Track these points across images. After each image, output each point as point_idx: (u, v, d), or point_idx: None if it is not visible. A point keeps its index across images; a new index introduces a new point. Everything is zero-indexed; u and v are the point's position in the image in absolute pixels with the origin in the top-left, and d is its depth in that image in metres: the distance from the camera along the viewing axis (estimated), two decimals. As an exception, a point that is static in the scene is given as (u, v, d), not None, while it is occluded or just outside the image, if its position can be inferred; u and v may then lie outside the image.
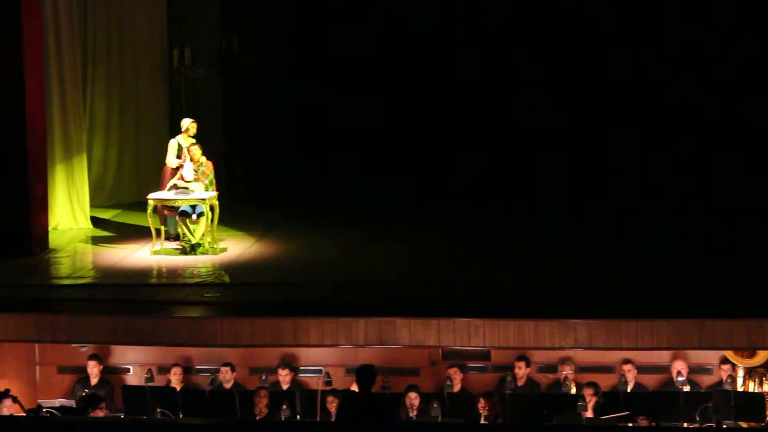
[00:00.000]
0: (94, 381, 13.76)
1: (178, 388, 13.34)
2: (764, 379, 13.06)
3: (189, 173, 15.09)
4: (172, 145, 15.45)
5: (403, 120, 19.13)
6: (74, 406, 12.63)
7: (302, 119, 20.22)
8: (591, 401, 12.57)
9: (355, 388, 12.21)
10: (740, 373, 13.11)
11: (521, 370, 13.33)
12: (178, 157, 15.33)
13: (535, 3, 19.18)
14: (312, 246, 15.41)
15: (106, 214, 17.22)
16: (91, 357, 13.77)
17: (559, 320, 12.25)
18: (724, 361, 13.13)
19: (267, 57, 19.77)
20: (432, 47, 19.32)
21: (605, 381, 13.19)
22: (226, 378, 13.48)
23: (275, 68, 19.97)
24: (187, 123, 15.51)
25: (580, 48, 18.63)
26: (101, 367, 13.79)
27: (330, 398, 12.75)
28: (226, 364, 13.52)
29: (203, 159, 15.19)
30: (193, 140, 15.35)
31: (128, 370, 14.09)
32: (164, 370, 13.80)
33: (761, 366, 13.07)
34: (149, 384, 13.23)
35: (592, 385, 12.81)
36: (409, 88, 19.34)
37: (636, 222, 15.89)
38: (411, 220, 16.48)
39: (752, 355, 12.96)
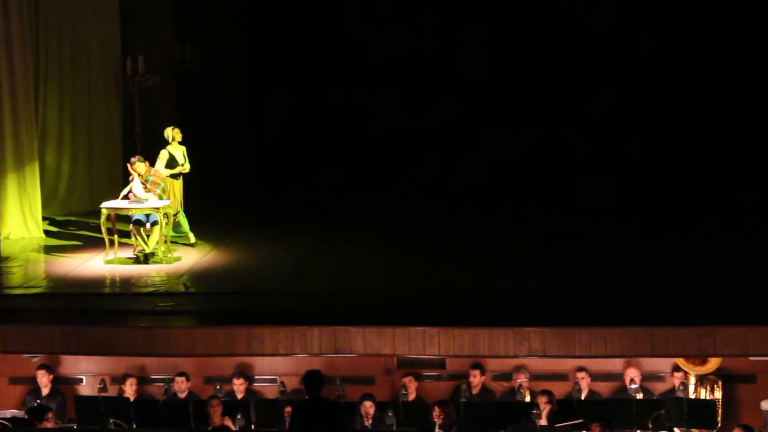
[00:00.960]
0: (45, 391, 13.64)
1: (133, 399, 13.26)
2: (716, 386, 13.18)
3: (138, 189, 15.03)
4: (162, 155, 15.62)
5: (360, 128, 19.19)
6: (26, 417, 12.52)
7: (257, 127, 20.23)
8: (545, 409, 12.62)
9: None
10: (692, 380, 13.23)
11: (476, 379, 13.36)
12: (169, 166, 15.56)
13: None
14: (267, 254, 15.40)
15: (58, 224, 17.09)
16: (40, 367, 13.63)
17: (513, 328, 12.29)
18: (677, 368, 13.24)
19: (220, 66, 19.74)
20: (391, 53, 19.46)
21: (559, 389, 13.26)
22: (181, 388, 13.41)
23: (228, 77, 19.95)
24: (169, 132, 15.74)
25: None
26: (51, 377, 13.66)
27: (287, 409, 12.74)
28: (180, 374, 13.46)
29: (152, 170, 15.13)
30: (182, 147, 15.67)
31: (81, 380, 13.97)
32: (118, 380, 13.71)
33: (712, 373, 13.19)
34: (102, 394, 13.13)
35: (546, 393, 12.86)
36: (367, 94, 19.45)
37: (589, 229, 15.97)
38: (366, 228, 16.50)
39: (704, 362, 13.07)
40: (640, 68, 18.61)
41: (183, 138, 15.86)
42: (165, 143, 15.82)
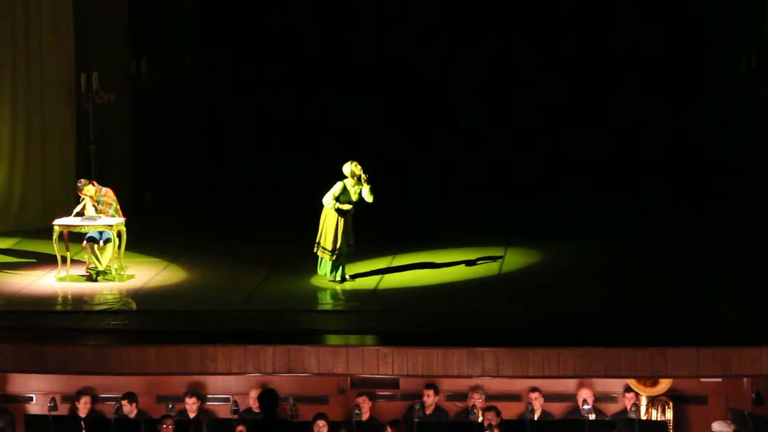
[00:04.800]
0: (-9, 410, 13.51)
1: (84, 416, 13.15)
2: (667, 407, 13.26)
3: (91, 210, 14.93)
4: (337, 186, 14.37)
5: (316, 141, 19.25)
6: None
7: (213, 142, 20.23)
8: (495, 423, 12.66)
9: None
10: (644, 401, 13.30)
11: (429, 398, 13.37)
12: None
13: None
14: (220, 272, 15.32)
15: (9, 241, 16.94)
16: None
17: (467, 348, 12.31)
18: (628, 389, 13.30)
19: (176, 80, 19.71)
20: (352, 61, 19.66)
21: (513, 409, 13.30)
22: (128, 410, 13.31)
23: (184, 91, 19.93)
24: (348, 166, 14.45)
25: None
26: (-2, 395, 13.56)
27: (240, 428, 12.68)
28: (125, 396, 13.33)
29: (102, 190, 14.98)
30: (361, 185, 14.38)
31: (31, 398, 13.85)
32: (68, 398, 13.60)
33: (664, 394, 13.27)
34: (53, 413, 13.02)
35: (492, 408, 12.92)
36: (325, 104, 19.60)
37: (540, 250, 16.05)
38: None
39: (655, 383, 13.15)
40: None
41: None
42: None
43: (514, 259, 15.60)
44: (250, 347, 12.47)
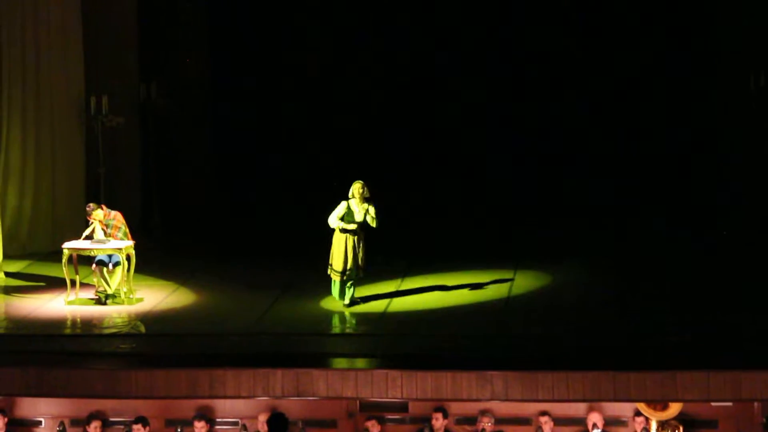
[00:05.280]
0: (-1, 436, 13.50)
1: (93, 441, 13.16)
2: (677, 431, 13.21)
3: (100, 234, 14.96)
4: (340, 206, 14.41)
5: (324, 167, 19.25)
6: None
7: (222, 167, 20.26)
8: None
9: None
10: (654, 425, 13.24)
11: (438, 422, 13.33)
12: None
13: None
14: (229, 295, 15.32)
15: (19, 264, 16.96)
16: None
17: (477, 372, 12.29)
18: (638, 413, 13.25)
19: (185, 104, 19.77)
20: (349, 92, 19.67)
21: (522, 433, 13.27)
22: (139, 432, 13.32)
23: (194, 116, 19.97)
24: (354, 186, 14.49)
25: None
26: (6, 420, 13.48)
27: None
28: (137, 421, 13.30)
29: (111, 214, 15.01)
30: (367, 205, 14.38)
31: (40, 423, 13.82)
32: (77, 422, 13.58)
33: (674, 419, 13.21)
34: (62, 437, 13.02)
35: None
36: (333, 136, 19.61)
37: (550, 273, 16.02)
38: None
39: (665, 407, 13.09)
40: None
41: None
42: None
43: (523, 282, 15.58)
44: (259, 371, 12.45)
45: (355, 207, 14.45)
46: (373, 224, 14.46)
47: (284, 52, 20.09)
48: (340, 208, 14.45)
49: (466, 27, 19.81)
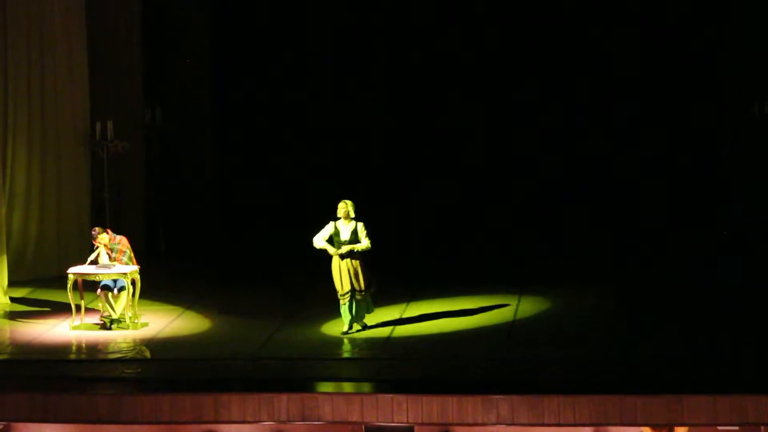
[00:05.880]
0: (2, 459, 13.49)
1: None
2: (683, 454, 13.17)
3: (105, 259, 14.97)
4: (327, 227, 14.44)
5: (331, 188, 19.29)
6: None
7: (227, 191, 20.29)
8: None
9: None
10: (660, 449, 13.21)
11: (444, 447, 13.31)
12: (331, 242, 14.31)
13: None
14: (234, 320, 15.32)
15: (24, 290, 16.96)
16: None
17: (482, 396, 12.26)
18: (645, 437, 13.22)
19: (189, 129, 19.81)
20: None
21: (528, 457, 13.20)
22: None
23: (199, 141, 20.01)
24: (340, 205, 14.49)
25: None
26: (9, 444, 13.53)
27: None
28: None
29: (116, 238, 15.02)
30: (354, 222, 14.36)
31: (45, 448, 13.82)
32: (82, 447, 13.56)
33: (680, 442, 13.19)
34: (67, 462, 12.99)
35: None
36: (340, 153, 19.67)
37: (554, 298, 16.01)
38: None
39: (671, 431, 13.05)
40: None
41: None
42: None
43: (527, 307, 15.57)
44: (264, 395, 12.43)
45: (342, 227, 14.45)
46: (365, 242, 14.38)
47: (284, 91, 20.17)
48: (327, 229, 14.47)
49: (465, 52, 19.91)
